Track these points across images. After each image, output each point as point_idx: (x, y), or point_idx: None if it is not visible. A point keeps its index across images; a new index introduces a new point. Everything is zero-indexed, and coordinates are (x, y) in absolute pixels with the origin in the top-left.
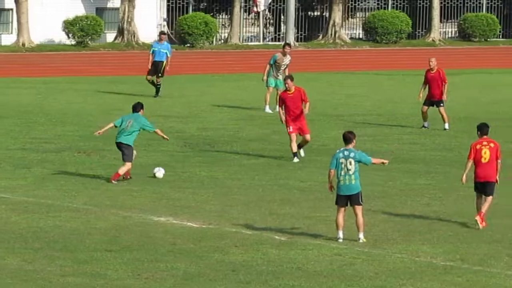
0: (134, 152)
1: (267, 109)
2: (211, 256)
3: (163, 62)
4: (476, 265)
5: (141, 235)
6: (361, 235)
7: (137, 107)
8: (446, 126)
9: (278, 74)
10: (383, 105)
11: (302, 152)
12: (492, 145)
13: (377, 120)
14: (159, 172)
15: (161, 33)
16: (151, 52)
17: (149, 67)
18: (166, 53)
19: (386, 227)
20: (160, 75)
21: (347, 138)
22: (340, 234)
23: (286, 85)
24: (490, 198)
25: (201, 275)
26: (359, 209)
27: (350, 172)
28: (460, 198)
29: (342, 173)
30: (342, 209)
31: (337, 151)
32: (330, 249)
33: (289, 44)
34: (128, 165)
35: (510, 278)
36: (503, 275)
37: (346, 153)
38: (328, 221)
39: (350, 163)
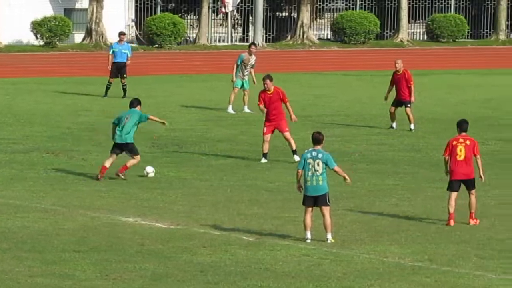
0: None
1: (230, 109)
2: (179, 257)
3: (125, 62)
4: (444, 266)
5: (109, 235)
6: (329, 236)
7: (134, 103)
8: (412, 126)
9: (245, 74)
10: (351, 105)
11: (296, 157)
12: (468, 142)
13: (345, 121)
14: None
15: (121, 33)
16: (110, 53)
17: (110, 69)
18: (127, 53)
19: (354, 227)
20: (125, 76)
21: (316, 138)
22: (308, 235)
23: (265, 85)
24: (473, 193)
25: (169, 276)
26: (326, 209)
27: (318, 173)
28: (428, 198)
29: (310, 173)
30: (310, 209)
31: (305, 151)
32: (298, 250)
33: (255, 44)
34: (137, 158)
35: (478, 279)
36: (471, 276)
37: (314, 153)
38: (296, 221)
39: (318, 164)
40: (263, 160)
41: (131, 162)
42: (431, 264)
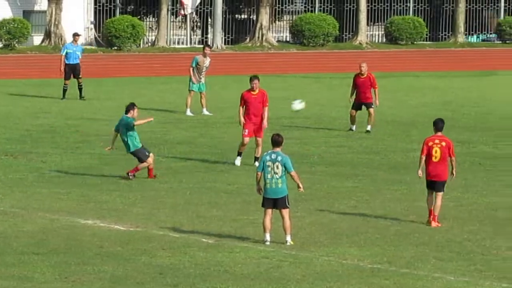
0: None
1: (188, 112)
2: (138, 259)
3: (79, 63)
4: (403, 268)
5: (69, 238)
6: (288, 238)
7: (126, 109)
8: (369, 128)
9: (201, 77)
10: (310, 108)
11: (257, 163)
12: (443, 143)
13: (304, 123)
14: (297, 105)
15: (76, 34)
16: (64, 53)
17: (63, 70)
18: (79, 54)
19: (313, 229)
20: (80, 76)
21: (275, 141)
22: (267, 237)
23: (253, 85)
24: (440, 195)
25: (129, 278)
26: (286, 212)
27: (277, 176)
28: (386, 200)
29: (269, 176)
30: (269, 211)
31: (265, 153)
32: (257, 252)
33: (208, 45)
34: (149, 160)
35: (437, 281)
36: (430, 278)
37: (273, 156)
38: (256, 223)
39: (277, 167)
40: (237, 161)
41: (141, 165)
42: (390, 266)
